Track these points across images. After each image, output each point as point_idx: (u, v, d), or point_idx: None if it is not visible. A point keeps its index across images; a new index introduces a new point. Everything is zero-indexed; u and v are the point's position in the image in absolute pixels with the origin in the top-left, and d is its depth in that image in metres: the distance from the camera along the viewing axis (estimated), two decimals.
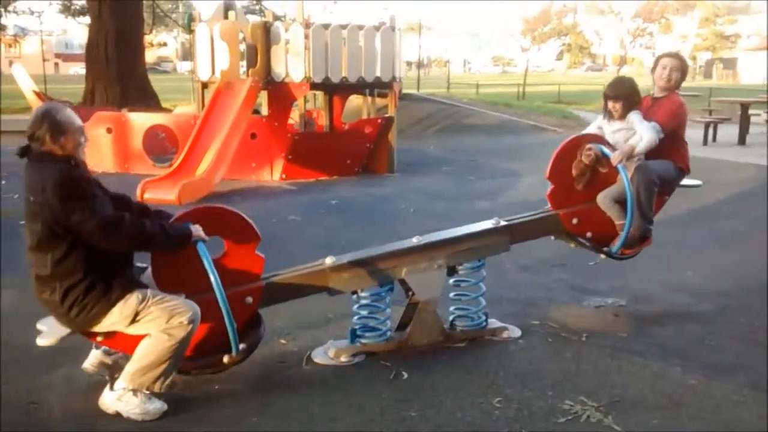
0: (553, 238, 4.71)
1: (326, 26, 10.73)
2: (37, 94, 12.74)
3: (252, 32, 10.76)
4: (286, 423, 3.24)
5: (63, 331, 3.30)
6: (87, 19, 22.13)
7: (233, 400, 3.45)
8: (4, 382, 3.60)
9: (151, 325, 3.23)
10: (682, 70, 4.60)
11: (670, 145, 4.47)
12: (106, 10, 18.29)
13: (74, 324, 3.26)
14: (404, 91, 17.32)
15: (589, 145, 4.41)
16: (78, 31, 51.71)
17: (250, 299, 3.65)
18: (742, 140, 14.50)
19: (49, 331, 3.32)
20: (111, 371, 3.54)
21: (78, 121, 3.27)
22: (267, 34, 10.54)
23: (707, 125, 14.66)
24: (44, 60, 31.06)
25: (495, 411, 3.35)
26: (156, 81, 22.26)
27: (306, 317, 4.55)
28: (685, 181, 4.81)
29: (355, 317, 4.03)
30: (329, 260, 3.91)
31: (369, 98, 12.85)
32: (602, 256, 4.66)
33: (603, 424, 3.23)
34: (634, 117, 4.43)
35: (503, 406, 3.40)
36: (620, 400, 3.47)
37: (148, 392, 3.29)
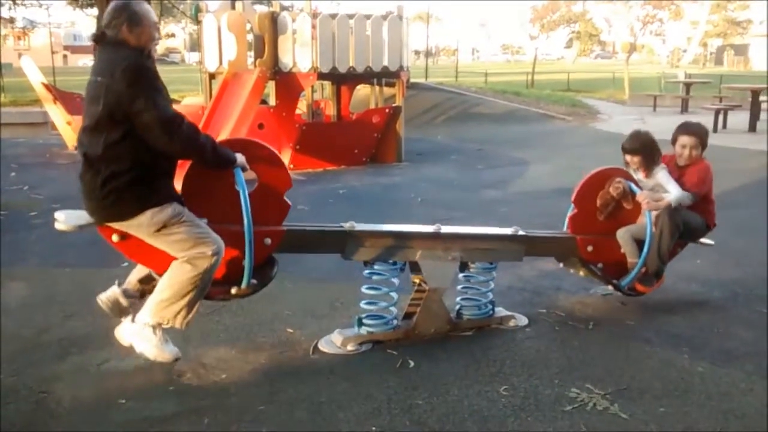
0: (561, 265, 4.75)
1: (333, 16, 10.70)
2: (46, 87, 12.73)
3: (259, 22, 10.74)
4: (293, 411, 3.25)
5: (83, 219, 3.29)
6: (95, 11, 22.14)
7: (240, 389, 3.46)
8: (14, 372, 3.62)
9: (173, 244, 3.27)
10: (702, 143, 4.60)
11: (699, 205, 4.56)
12: (113, 2, 18.28)
13: (103, 212, 3.24)
14: (412, 80, 17.29)
15: (619, 179, 4.47)
16: (86, 23, 51.81)
17: (269, 240, 3.71)
18: (752, 127, 14.39)
19: (68, 219, 3.32)
20: (123, 313, 3.55)
21: (154, 16, 3.36)
22: (274, 25, 10.52)
23: (717, 112, 14.57)
24: (53, 52, 31.10)
25: (501, 399, 3.36)
26: (164, 72, 22.12)
27: (313, 306, 4.57)
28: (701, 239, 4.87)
29: (362, 302, 4.03)
30: (349, 224, 3.94)
31: (377, 88, 12.81)
32: (610, 288, 4.66)
33: (609, 411, 3.23)
34: (661, 174, 4.51)
35: (510, 394, 3.41)
36: (627, 387, 3.47)
37: (165, 333, 3.34)
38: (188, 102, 14.46)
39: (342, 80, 11.78)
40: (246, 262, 3.53)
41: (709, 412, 3.24)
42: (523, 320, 4.35)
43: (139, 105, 3.09)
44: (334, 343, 3.96)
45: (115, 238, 3.37)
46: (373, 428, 3.10)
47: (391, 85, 12.34)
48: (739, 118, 14.94)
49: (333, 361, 3.82)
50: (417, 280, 4.16)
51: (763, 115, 14.92)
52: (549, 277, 5.27)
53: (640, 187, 4.50)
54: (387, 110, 11.50)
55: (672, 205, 4.39)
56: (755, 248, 6.11)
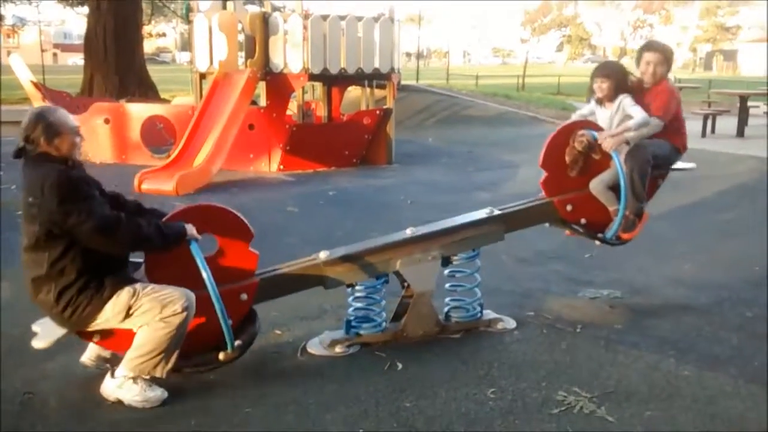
0: (548, 225, 4.69)
1: (325, 17, 10.70)
2: (35, 85, 12.67)
3: (250, 23, 10.73)
4: (280, 414, 3.25)
5: (58, 332, 3.32)
6: (85, 10, 22.04)
7: (228, 391, 3.46)
8: (0, 373, 3.60)
9: (144, 317, 3.25)
10: (666, 60, 4.48)
11: (668, 126, 4.43)
12: (104, 1, 18.22)
13: (69, 324, 3.29)
14: (403, 82, 17.27)
15: (581, 132, 4.38)
16: (77, 22, 51.56)
17: (244, 296, 3.66)
18: (740, 132, 14.47)
19: (45, 333, 3.35)
20: (110, 363, 3.55)
21: (72, 121, 3.29)
22: (265, 25, 10.51)
23: (706, 117, 14.64)
24: (43, 50, 30.94)
25: (489, 402, 3.36)
26: (154, 72, 22.20)
27: (301, 308, 4.56)
28: (679, 164, 4.77)
29: (350, 308, 4.04)
30: (323, 254, 3.91)
31: (368, 89, 12.82)
32: (598, 243, 4.65)
33: (596, 415, 3.24)
34: (626, 101, 4.38)
35: (497, 396, 3.41)
36: (614, 391, 3.48)
37: (148, 379, 3.31)
38: (178, 102, 14.42)
39: (333, 82, 11.78)
40: (224, 329, 3.45)
41: (695, 415, 3.26)
42: (511, 323, 4.36)
43: (73, 219, 3.10)
44: (322, 345, 3.96)
45: (95, 339, 3.41)
46: (361, 430, 3.11)
47: (382, 86, 12.35)
48: (727, 123, 15.03)
49: (321, 363, 3.82)
50: (405, 282, 4.15)
51: (751, 121, 15.02)
52: (537, 280, 5.28)
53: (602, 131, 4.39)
54: (378, 112, 11.51)
55: (632, 136, 4.28)
56: (742, 252, 6.15)
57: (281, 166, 10.72)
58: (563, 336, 4.22)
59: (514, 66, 57.67)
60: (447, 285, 4.33)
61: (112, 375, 3.33)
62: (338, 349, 3.92)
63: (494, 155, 12.67)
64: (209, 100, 10.33)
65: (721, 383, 3.59)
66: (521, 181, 9.98)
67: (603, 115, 4.52)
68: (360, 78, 11.81)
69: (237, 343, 3.55)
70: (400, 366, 3.75)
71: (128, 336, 3.34)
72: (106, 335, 3.38)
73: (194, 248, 3.39)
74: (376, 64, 11.20)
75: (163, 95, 19.19)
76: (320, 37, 10.55)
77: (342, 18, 10.80)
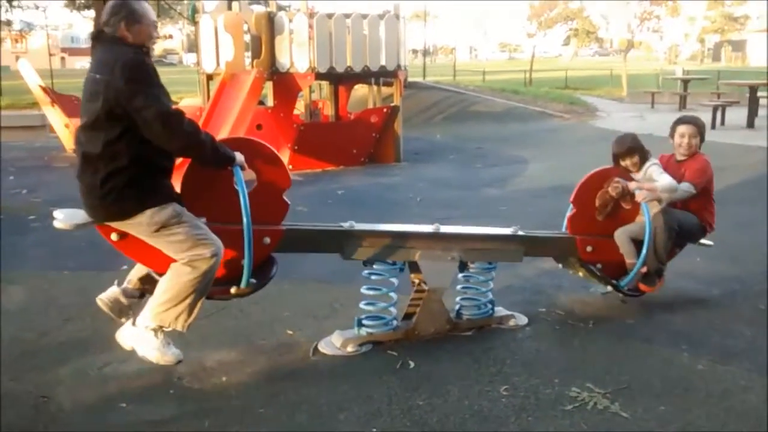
0: (560, 266, 4.76)
1: (330, 15, 10.69)
2: (44, 89, 12.71)
3: (256, 23, 10.73)
4: (293, 413, 3.25)
5: (82, 218, 3.28)
6: (92, 13, 22.13)
7: (240, 391, 3.46)
8: (14, 377, 3.62)
9: (172, 245, 3.25)
10: (700, 133, 4.63)
11: (698, 201, 4.56)
12: None
13: (103, 210, 3.22)
14: (410, 79, 17.28)
15: (618, 178, 4.46)
16: (84, 25, 51.79)
17: (267, 240, 3.70)
18: (750, 123, 14.39)
19: (67, 217, 3.31)
20: (122, 314, 3.53)
21: (153, 15, 3.36)
22: (271, 25, 10.52)
23: (715, 108, 14.56)
24: (50, 54, 31.04)
25: (502, 399, 3.36)
26: (162, 73, 22.09)
27: (312, 308, 4.57)
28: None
29: (362, 302, 4.03)
30: (348, 224, 3.95)
31: (374, 87, 12.80)
32: (609, 289, 4.67)
33: (610, 410, 3.23)
34: (653, 168, 4.48)
35: (510, 394, 3.41)
36: (627, 386, 3.47)
37: (167, 340, 3.33)
38: (186, 103, 14.44)
39: (340, 80, 11.78)
40: (245, 262, 3.52)
41: (709, 409, 3.24)
42: (523, 319, 4.35)
43: (138, 101, 3.07)
44: (334, 344, 3.96)
45: (114, 237, 3.36)
46: (374, 429, 3.10)
47: (388, 84, 12.33)
48: (737, 114, 14.94)
49: (333, 362, 3.82)
50: (416, 280, 4.15)
51: (761, 111, 14.92)
52: (549, 275, 5.27)
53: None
54: (385, 110, 11.50)
55: (664, 193, 4.35)
56: (754, 245, 6.11)
57: (289, 166, 10.68)
58: (576, 332, 4.21)
59: (521, 61, 57.50)
60: (459, 287, 4.33)
61: (134, 323, 3.34)
62: (350, 349, 3.92)
63: (502, 151, 12.65)
64: (217, 101, 10.35)
65: (735, 377, 3.57)
66: (530, 177, 9.96)
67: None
68: (366, 76, 11.80)
69: (252, 281, 3.58)
70: (412, 364, 3.75)
71: (144, 248, 3.33)
72: (124, 236, 3.34)
73: (238, 175, 3.44)
74: (383, 62, 11.19)
75: (170, 97, 19.22)
76: (326, 36, 10.55)
77: (347, 16, 10.80)
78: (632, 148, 4.51)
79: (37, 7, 33.22)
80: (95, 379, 3.61)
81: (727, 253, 5.75)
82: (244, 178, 3.50)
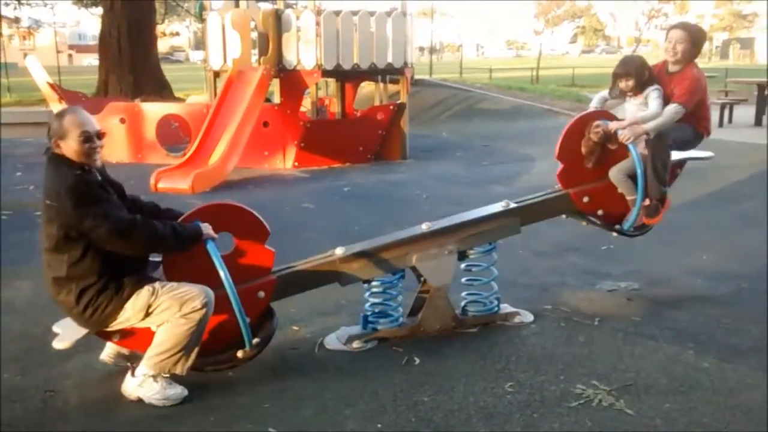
0: (565, 216, 4.67)
1: (337, 13, 10.70)
2: (52, 86, 12.77)
3: (263, 20, 10.75)
4: (299, 408, 3.26)
5: (79, 332, 3.35)
6: (100, 10, 22.20)
7: (247, 387, 3.48)
8: (21, 371, 3.65)
9: (164, 315, 3.27)
10: (690, 40, 4.34)
11: (691, 111, 4.34)
12: (118, 1, 18.35)
13: (90, 324, 3.31)
14: (416, 76, 17.25)
15: (597, 122, 4.35)
16: (91, 23, 51.93)
17: (262, 293, 3.67)
18: (758, 121, 14.33)
19: (65, 334, 3.38)
20: (129, 360, 3.59)
21: (85, 125, 3.22)
22: (278, 22, 10.54)
23: (723, 106, 14.50)
24: (58, 51, 31.19)
25: (507, 395, 3.36)
26: (169, 71, 22.33)
27: (318, 304, 4.57)
28: (696, 153, 4.72)
29: (367, 304, 4.04)
30: (339, 251, 3.92)
31: (381, 85, 12.82)
32: (615, 235, 4.62)
33: (615, 407, 3.23)
34: (653, 93, 4.33)
35: (515, 390, 3.41)
36: (633, 383, 3.47)
37: (168, 377, 3.34)
38: (193, 101, 14.48)
39: (346, 77, 11.79)
40: (242, 327, 3.46)
41: (715, 407, 3.23)
42: (529, 316, 4.34)
43: (89, 223, 3.11)
44: (340, 340, 3.97)
45: (116, 338, 3.43)
46: (379, 425, 3.11)
47: (395, 81, 12.34)
48: (745, 112, 14.88)
49: (338, 358, 3.83)
50: (422, 278, 4.15)
51: None
52: (554, 273, 5.26)
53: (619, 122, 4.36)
54: (391, 107, 11.50)
55: (649, 124, 4.23)
56: (761, 242, 6.08)
57: (296, 163, 10.74)
58: (581, 329, 4.20)
59: (527, 59, 57.40)
60: (463, 279, 4.32)
61: (133, 374, 3.36)
62: (355, 345, 3.93)
63: (509, 148, 12.62)
64: (223, 98, 10.36)
65: (741, 375, 3.56)
66: (537, 174, 9.93)
67: (631, 106, 4.48)
68: (373, 73, 11.81)
69: (255, 340, 3.57)
70: (417, 361, 3.76)
71: (148, 335, 3.36)
72: (125, 335, 3.41)
73: (211, 247, 3.40)
74: (389, 59, 11.19)
75: (177, 94, 19.29)
76: (333, 33, 10.56)
77: (354, 13, 10.80)
78: (629, 73, 4.36)
79: (45, 5, 33.29)
80: (102, 373, 3.63)
81: (734, 251, 5.73)
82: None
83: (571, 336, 4.10)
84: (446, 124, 16.30)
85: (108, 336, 3.42)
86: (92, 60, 51.70)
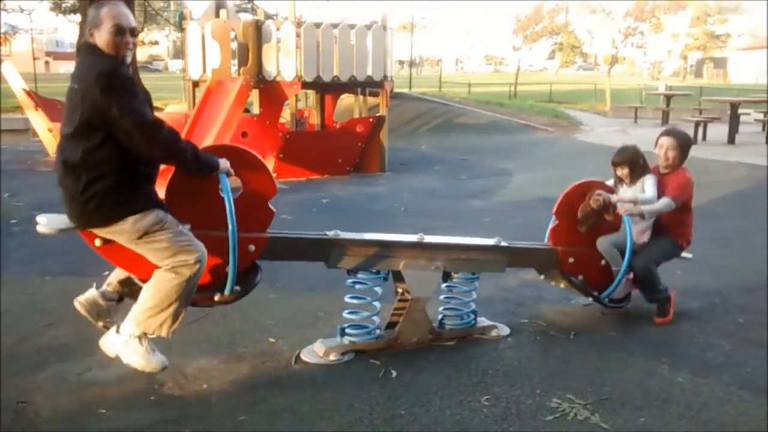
0: (542, 277, 4.78)
1: (318, 25, 10.73)
2: (28, 93, 12.63)
3: (243, 31, 10.75)
4: (274, 421, 3.24)
5: (64, 223, 3.27)
6: (78, 17, 22.02)
7: (222, 399, 3.45)
8: None
9: (155, 252, 3.23)
10: (680, 146, 4.67)
11: (677, 216, 4.63)
12: None
13: (84, 217, 3.20)
14: (396, 90, 17.34)
15: (599, 191, 4.53)
16: (69, 30, 51.47)
17: (252, 247, 3.69)
18: (731, 139, 14.58)
19: (50, 222, 3.30)
20: (100, 315, 3.51)
21: (120, 19, 3.18)
22: (258, 33, 10.54)
23: (697, 124, 14.75)
24: (35, 58, 30.92)
25: (483, 409, 3.37)
26: (147, 79, 22.13)
27: (295, 316, 4.56)
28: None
29: (345, 311, 4.03)
30: (333, 233, 3.95)
31: (360, 97, 12.85)
32: (590, 300, 4.72)
33: (590, 421, 3.25)
34: (649, 182, 4.59)
35: (491, 404, 3.42)
36: (608, 397, 3.49)
37: (152, 342, 3.31)
38: (171, 110, 14.40)
39: (326, 89, 11.82)
40: (230, 269, 3.51)
41: (689, 421, 3.27)
42: (505, 330, 4.37)
43: (115, 111, 3.05)
44: (317, 353, 3.96)
45: (97, 242, 3.34)
46: None
47: (375, 94, 12.38)
48: (718, 131, 15.14)
49: (315, 371, 3.82)
50: (400, 289, 4.17)
51: (741, 128, 15.13)
52: (531, 287, 5.30)
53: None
54: (371, 120, 11.54)
55: (647, 211, 4.47)
56: (733, 259, 6.19)
57: (274, 174, 10.62)
58: (557, 343, 4.23)
59: (506, 74, 57.87)
60: (442, 297, 4.34)
61: (118, 330, 3.31)
62: (332, 357, 3.92)
63: (487, 162, 12.72)
64: (202, 108, 10.33)
65: (714, 389, 3.60)
66: (514, 189, 10.01)
67: (627, 194, 4.64)
68: (353, 86, 11.85)
69: (236, 288, 3.57)
70: (394, 373, 3.76)
71: (127, 254, 3.31)
72: (108, 243, 3.32)
73: (224, 182, 3.43)
74: (369, 72, 11.24)
75: (155, 103, 19.09)
76: (313, 45, 10.58)
77: (335, 26, 10.84)
78: (624, 162, 4.62)
79: (22, 11, 32.97)
80: (75, 384, 3.58)
81: (707, 268, 5.81)
82: (230, 185, 3.50)
83: (547, 350, 4.12)
84: (425, 138, 16.38)
85: (91, 238, 3.31)
86: (69, 67, 51.20)
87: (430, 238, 4.19)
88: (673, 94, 20.53)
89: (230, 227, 3.43)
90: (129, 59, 3.27)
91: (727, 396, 3.53)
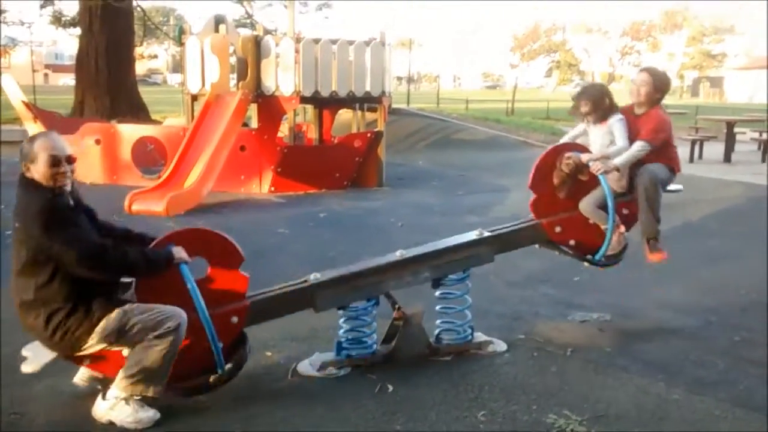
0: (537, 246, 4.73)
1: (317, 41, 10.79)
2: (27, 105, 12.66)
3: (242, 46, 10.80)
4: None
5: (48, 356, 3.30)
6: (77, 31, 22.10)
7: (218, 412, 3.44)
8: None
9: (136, 338, 3.24)
10: (653, 84, 4.52)
11: (660, 149, 4.50)
12: (96, 22, 18.29)
13: (59, 348, 3.27)
14: (394, 105, 17.39)
15: (568, 154, 4.46)
16: (68, 43, 51.70)
17: (235, 318, 3.64)
18: (727, 158, 14.64)
19: (35, 357, 3.33)
20: (102, 382, 3.53)
21: (55, 150, 3.19)
22: (257, 48, 10.59)
23: (693, 143, 14.81)
24: (34, 71, 30.93)
25: (480, 425, 3.37)
26: (146, 93, 22.23)
27: (292, 329, 4.55)
28: (669, 187, 4.82)
29: (341, 330, 4.04)
30: (313, 277, 3.91)
31: (359, 112, 12.89)
32: (586, 265, 4.69)
33: None
34: (617, 125, 4.47)
35: (488, 419, 3.42)
36: (604, 414, 3.49)
37: (140, 399, 3.29)
38: (170, 123, 14.44)
39: (324, 104, 11.85)
40: (213, 349, 3.44)
41: None
42: (502, 346, 4.37)
43: (57, 247, 3.09)
44: (313, 366, 3.95)
45: (87, 362, 3.40)
46: None
47: (373, 110, 12.42)
48: (714, 149, 15.20)
49: (311, 384, 3.81)
50: (396, 305, 4.16)
51: (737, 147, 15.20)
52: (526, 302, 5.30)
53: (590, 152, 4.49)
54: (369, 135, 11.56)
55: (621, 162, 4.37)
56: (729, 277, 6.19)
57: (272, 188, 10.73)
58: (553, 359, 4.23)
59: (503, 91, 58.17)
60: (438, 307, 4.34)
61: (104, 396, 3.31)
62: (329, 371, 3.91)
63: (484, 179, 12.73)
64: (201, 122, 10.35)
65: (709, 407, 3.61)
66: (511, 205, 10.02)
67: (595, 136, 4.58)
68: (351, 101, 11.88)
69: (227, 366, 3.54)
70: (390, 388, 3.75)
71: (120, 358, 3.32)
72: (97, 358, 3.36)
73: (184, 271, 3.38)
74: (368, 88, 11.28)
75: (154, 116, 19.20)
76: (312, 61, 10.63)
77: (334, 42, 10.90)
78: (585, 95, 4.54)
79: (22, 24, 33.09)
80: (69, 396, 3.58)
81: (703, 285, 5.83)
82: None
83: (544, 366, 4.12)
84: (422, 153, 16.40)
85: (79, 360, 3.37)
86: (68, 80, 51.33)
87: (411, 252, 4.16)
88: (669, 113, 20.61)
89: (201, 314, 3.35)
90: (68, 187, 3.25)
91: (723, 413, 3.54)
